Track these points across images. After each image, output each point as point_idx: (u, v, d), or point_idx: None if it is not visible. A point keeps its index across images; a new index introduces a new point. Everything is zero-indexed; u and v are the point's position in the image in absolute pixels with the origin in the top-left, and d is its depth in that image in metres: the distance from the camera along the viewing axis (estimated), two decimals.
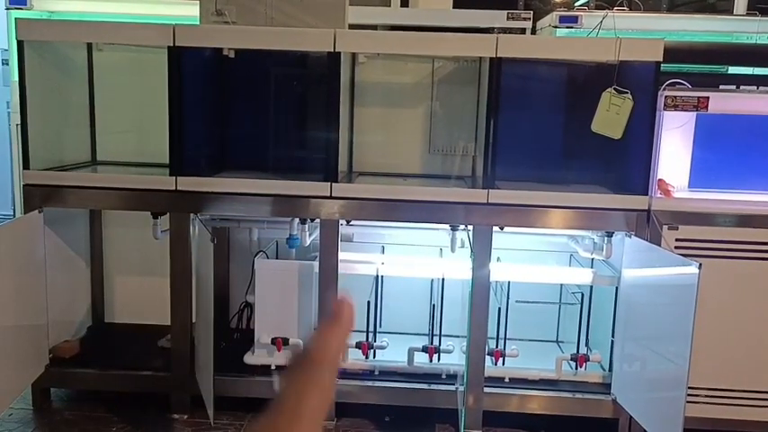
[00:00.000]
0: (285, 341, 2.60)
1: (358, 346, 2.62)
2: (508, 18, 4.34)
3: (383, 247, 3.00)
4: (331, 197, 2.45)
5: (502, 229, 2.50)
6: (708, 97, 2.33)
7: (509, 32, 3.90)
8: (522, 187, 2.56)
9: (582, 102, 2.57)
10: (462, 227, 2.53)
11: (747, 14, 4.45)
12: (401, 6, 5.29)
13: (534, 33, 4.05)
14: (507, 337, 2.85)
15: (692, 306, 2.00)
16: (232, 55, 2.74)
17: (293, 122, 2.84)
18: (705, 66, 4.21)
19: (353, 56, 2.85)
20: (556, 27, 4.35)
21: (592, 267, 2.80)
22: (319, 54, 2.52)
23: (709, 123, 2.64)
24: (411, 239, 2.97)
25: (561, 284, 2.87)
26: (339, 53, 2.40)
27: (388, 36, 2.51)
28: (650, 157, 2.39)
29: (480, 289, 2.48)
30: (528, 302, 2.74)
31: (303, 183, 2.46)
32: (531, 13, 4.35)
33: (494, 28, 4.47)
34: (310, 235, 2.63)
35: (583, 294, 2.66)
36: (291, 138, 2.83)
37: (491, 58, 2.38)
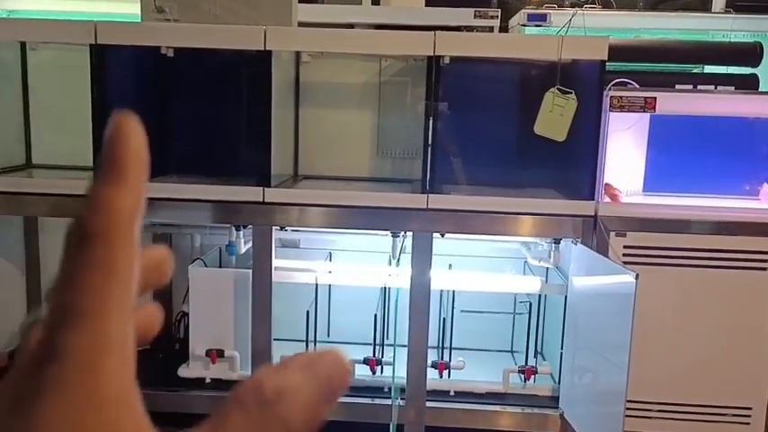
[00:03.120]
0: (220, 353, 2.49)
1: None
2: (475, 16, 4.24)
3: (330, 253, 2.89)
4: (263, 203, 2.34)
5: (443, 235, 2.39)
6: (655, 98, 2.22)
7: (477, 31, 3.80)
8: (468, 191, 2.46)
9: (529, 103, 2.46)
10: (402, 233, 2.42)
11: (722, 12, 4.34)
12: (372, 4, 5.22)
13: (507, 32, 3.94)
14: (457, 347, 2.75)
15: (630, 317, 1.89)
16: (171, 54, 2.64)
17: (230, 125, 2.73)
18: (679, 65, 4.12)
19: (297, 55, 2.74)
20: (524, 25, 4.25)
21: (546, 275, 2.70)
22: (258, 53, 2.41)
23: (663, 125, 2.53)
24: (362, 245, 2.86)
25: (515, 293, 2.76)
26: (270, 52, 2.29)
27: (321, 33, 2.40)
28: (596, 160, 2.28)
29: (419, 298, 2.37)
30: (473, 312, 2.63)
31: (234, 188, 2.35)
32: (498, 12, 4.25)
33: (462, 27, 4.37)
34: (247, 242, 2.52)
35: (531, 303, 2.55)
36: (228, 141, 2.72)
37: (429, 57, 2.28)
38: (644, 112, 2.24)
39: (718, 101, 2.33)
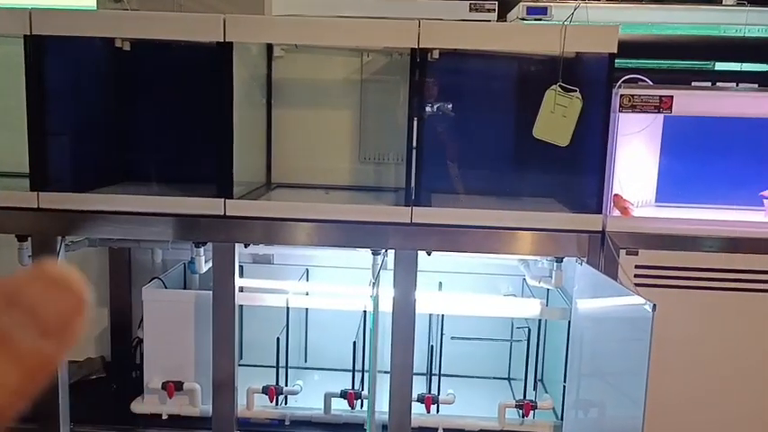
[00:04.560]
0: (179, 385, 2.21)
1: (265, 390, 2.22)
2: (471, 9, 3.95)
3: (307, 270, 2.61)
4: (224, 216, 2.05)
5: (429, 254, 2.10)
6: (671, 96, 1.93)
7: None
8: (459, 203, 2.17)
9: (530, 102, 2.17)
10: (383, 251, 2.13)
11: (736, 5, 4.04)
12: None
13: None
14: (449, 374, 2.47)
15: (646, 349, 1.60)
16: (128, 48, 2.35)
17: (189, 127, 2.44)
18: (688, 62, 3.82)
19: (269, 49, 2.46)
20: (523, 19, 3.96)
21: (547, 296, 2.41)
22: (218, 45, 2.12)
23: (680, 127, 2.24)
24: (343, 260, 2.58)
25: (512, 317, 2.47)
26: (231, 43, 2.00)
27: (288, 23, 2.11)
28: (604, 168, 1.99)
29: (403, 323, 2.08)
30: (464, 339, 2.34)
31: (191, 199, 2.07)
32: (495, 4, 3.96)
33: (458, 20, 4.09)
34: (209, 260, 2.23)
35: (530, 329, 2.26)
36: (187, 146, 2.43)
37: (412, 49, 1.99)
38: (659, 112, 1.95)
39: (741, 99, 2.04)
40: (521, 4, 3.96)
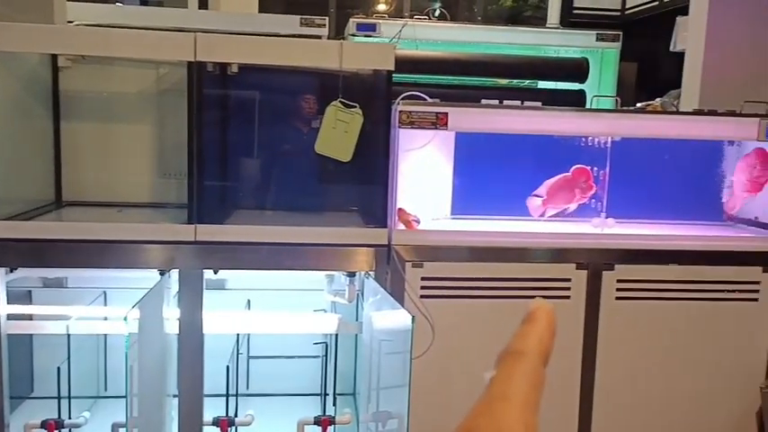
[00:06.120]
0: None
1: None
2: (302, 24, 3.96)
3: (105, 292, 2.46)
4: None
5: (216, 272, 2.05)
6: (447, 113, 1.99)
7: None
8: (251, 219, 2.14)
9: (316, 118, 2.18)
10: (168, 272, 2.05)
11: (549, 27, 4.32)
12: (199, 8, 4.82)
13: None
14: (254, 394, 2.41)
15: (408, 362, 1.63)
16: None
17: None
18: (511, 79, 4.02)
19: (53, 59, 2.31)
20: (354, 35, 4.02)
21: (357, 310, 2.42)
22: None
23: (469, 142, 2.33)
24: (142, 282, 2.45)
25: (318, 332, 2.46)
26: None
27: (56, 32, 1.99)
28: (386, 182, 2.03)
29: (191, 346, 2.01)
30: (262, 357, 2.30)
31: None
32: (326, 20, 3.99)
33: (292, 35, 4.08)
34: None
35: (327, 345, 2.25)
36: None
37: (189, 63, 1.93)
38: (436, 128, 2.01)
39: (511, 117, 2.15)
40: (351, 20, 4.03)
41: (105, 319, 2.36)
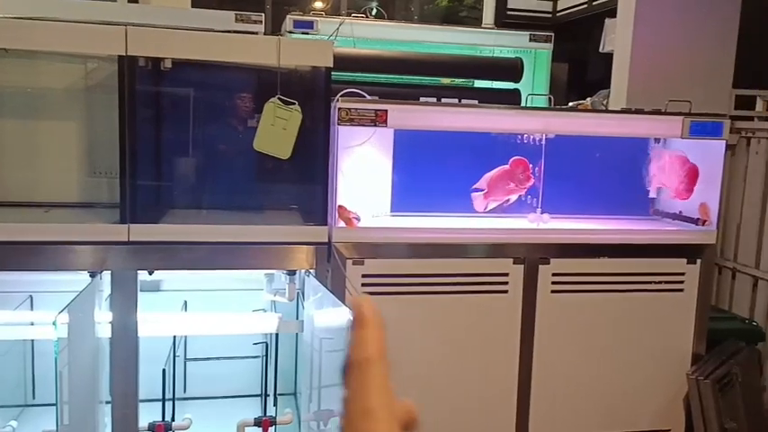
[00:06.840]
0: None
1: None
2: (237, 20, 3.90)
3: (31, 296, 2.36)
4: None
5: (151, 273, 1.99)
6: (386, 110, 2.00)
7: None
8: (188, 218, 2.09)
9: (253, 115, 2.15)
10: (99, 273, 1.97)
11: (484, 28, 4.40)
12: (129, 2, 4.67)
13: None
14: (194, 397, 2.36)
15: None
16: None
17: None
18: (449, 77, 4.07)
19: None
20: (291, 32, 3.98)
21: (297, 309, 2.40)
22: None
23: (408, 140, 2.35)
24: (73, 285, 2.36)
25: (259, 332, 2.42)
26: None
27: None
28: (326, 180, 2.02)
29: (124, 349, 1.95)
30: (198, 359, 2.25)
31: None
32: (262, 16, 3.94)
33: (227, 31, 4.00)
34: None
35: (267, 344, 2.23)
36: None
37: (120, 57, 1.87)
38: (375, 126, 2.01)
39: (458, 115, 2.18)
40: (288, 17, 3.99)
41: (32, 324, 2.26)
